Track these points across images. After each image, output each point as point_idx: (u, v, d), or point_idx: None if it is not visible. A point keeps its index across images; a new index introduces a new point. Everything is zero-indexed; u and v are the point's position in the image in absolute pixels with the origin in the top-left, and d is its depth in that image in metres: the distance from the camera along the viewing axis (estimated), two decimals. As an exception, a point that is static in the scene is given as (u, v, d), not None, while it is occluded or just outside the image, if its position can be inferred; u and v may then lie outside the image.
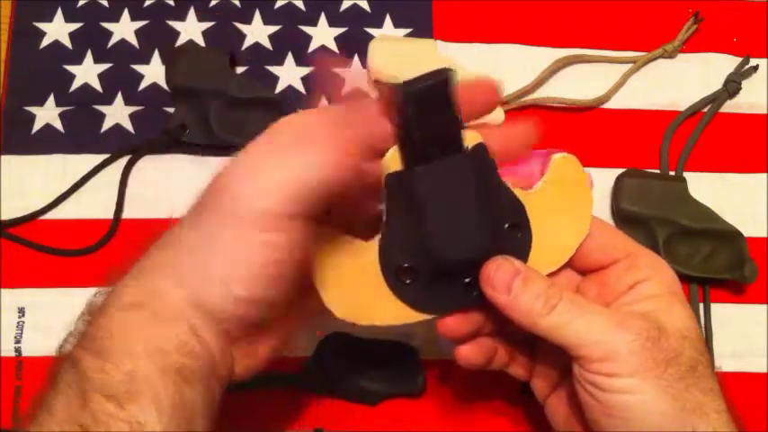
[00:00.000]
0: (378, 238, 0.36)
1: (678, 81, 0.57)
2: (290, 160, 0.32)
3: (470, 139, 0.35)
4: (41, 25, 0.56)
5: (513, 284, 0.36)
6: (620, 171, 0.53)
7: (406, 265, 0.37)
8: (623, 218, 0.52)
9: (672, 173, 0.54)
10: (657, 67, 0.57)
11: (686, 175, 0.54)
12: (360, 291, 0.37)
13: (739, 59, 0.57)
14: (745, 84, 0.56)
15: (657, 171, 0.54)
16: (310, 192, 0.32)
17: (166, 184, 0.52)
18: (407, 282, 0.37)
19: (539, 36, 0.57)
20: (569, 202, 0.39)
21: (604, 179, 0.53)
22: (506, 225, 0.38)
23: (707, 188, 0.54)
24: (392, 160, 0.35)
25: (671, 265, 0.39)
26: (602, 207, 0.53)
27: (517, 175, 0.39)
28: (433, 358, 0.49)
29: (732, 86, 0.56)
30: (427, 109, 0.34)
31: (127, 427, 0.29)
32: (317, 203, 0.32)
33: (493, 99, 0.37)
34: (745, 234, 0.51)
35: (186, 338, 0.32)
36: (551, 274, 0.39)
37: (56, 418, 0.30)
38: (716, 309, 0.51)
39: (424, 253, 0.36)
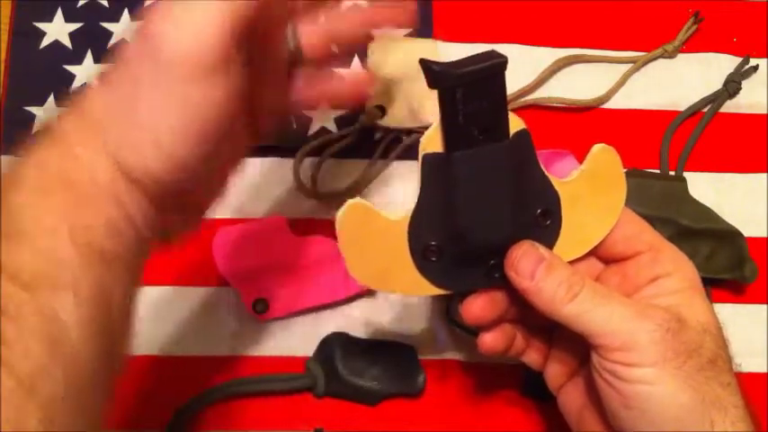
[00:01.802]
0: (408, 213, 0.37)
1: (678, 81, 0.57)
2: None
3: (513, 124, 0.35)
4: (41, 25, 0.56)
5: (536, 271, 0.36)
6: (620, 171, 0.53)
7: (433, 243, 0.37)
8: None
9: (672, 173, 0.54)
10: (657, 67, 0.57)
11: (686, 175, 0.54)
12: (384, 261, 0.37)
13: (739, 59, 0.57)
14: (745, 84, 0.56)
15: (657, 171, 0.54)
16: (235, 28, 0.30)
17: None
18: (433, 259, 0.37)
19: (539, 36, 0.57)
20: (602, 194, 0.39)
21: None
22: (538, 211, 0.38)
23: (707, 188, 0.54)
24: (430, 140, 0.35)
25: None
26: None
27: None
28: (433, 358, 0.49)
29: (732, 86, 0.56)
30: (476, 93, 0.33)
31: (38, 316, 0.27)
32: (241, 41, 0.31)
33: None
34: (745, 234, 0.51)
35: (112, 217, 0.30)
36: (573, 262, 0.39)
37: None
38: (716, 309, 0.50)
39: (452, 234, 0.37)
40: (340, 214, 0.36)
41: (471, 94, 0.33)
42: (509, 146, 0.35)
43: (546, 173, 0.38)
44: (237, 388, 0.47)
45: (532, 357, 0.42)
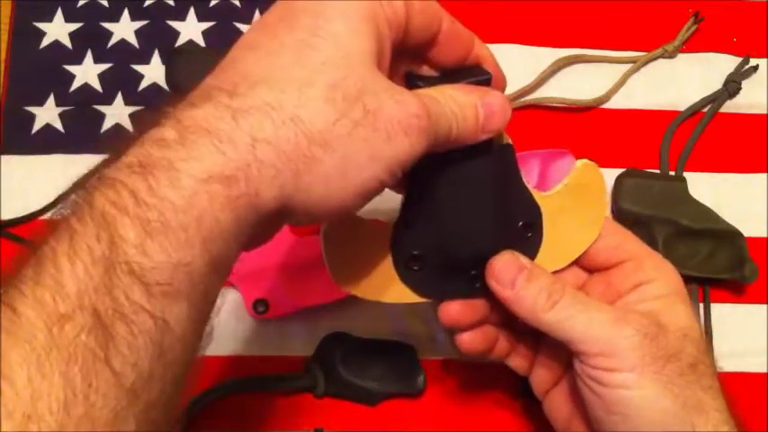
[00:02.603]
0: (392, 222, 0.37)
1: (678, 81, 0.57)
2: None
3: (498, 137, 0.36)
4: (41, 25, 0.56)
5: (517, 279, 0.37)
6: (620, 171, 0.53)
7: (416, 252, 0.37)
8: (623, 218, 0.52)
9: (672, 173, 0.54)
10: (657, 67, 0.57)
11: (686, 175, 0.54)
12: (367, 270, 0.37)
13: (739, 59, 0.57)
14: (745, 84, 0.56)
15: (657, 171, 0.54)
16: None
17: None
18: (415, 268, 0.38)
19: (539, 36, 0.57)
20: (584, 208, 0.40)
21: (604, 179, 0.53)
22: (520, 223, 0.39)
23: (707, 188, 0.54)
24: None
25: (671, 265, 0.40)
26: (602, 207, 0.53)
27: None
28: (433, 358, 0.49)
29: (732, 86, 0.56)
30: None
31: (152, 322, 0.26)
32: None
33: (470, 48, 0.36)
34: (745, 234, 0.51)
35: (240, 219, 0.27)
36: (557, 272, 0.40)
37: (62, 292, 0.25)
38: (716, 309, 0.51)
39: (435, 244, 0.37)
40: (324, 227, 0.37)
41: None
42: (493, 159, 0.36)
43: (528, 186, 0.38)
44: (238, 388, 0.47)
45: (517, 362, 0.43)
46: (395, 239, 0.37)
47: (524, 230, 0.39)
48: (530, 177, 0.50)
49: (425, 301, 0.39)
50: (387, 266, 0.38)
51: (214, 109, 0.28)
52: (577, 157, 0.53)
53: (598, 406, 0.36)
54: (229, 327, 0.49)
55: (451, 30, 0.35)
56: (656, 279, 0.38)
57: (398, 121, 0.30)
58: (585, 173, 0.40)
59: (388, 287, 0.38)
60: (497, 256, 0.38)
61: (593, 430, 0.38)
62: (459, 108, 0.33)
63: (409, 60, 0.35)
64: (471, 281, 0.39)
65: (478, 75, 0.35)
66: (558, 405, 0.42)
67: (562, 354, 0.41)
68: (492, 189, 0.37)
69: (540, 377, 0.42)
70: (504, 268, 0.37)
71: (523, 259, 0.38)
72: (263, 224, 0.29)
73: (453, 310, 0.39)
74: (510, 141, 0.37)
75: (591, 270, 0.41)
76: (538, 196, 0.39)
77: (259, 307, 0.48)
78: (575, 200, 0.40)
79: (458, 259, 0.38)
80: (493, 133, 0.34)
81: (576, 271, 0.41)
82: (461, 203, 0.36)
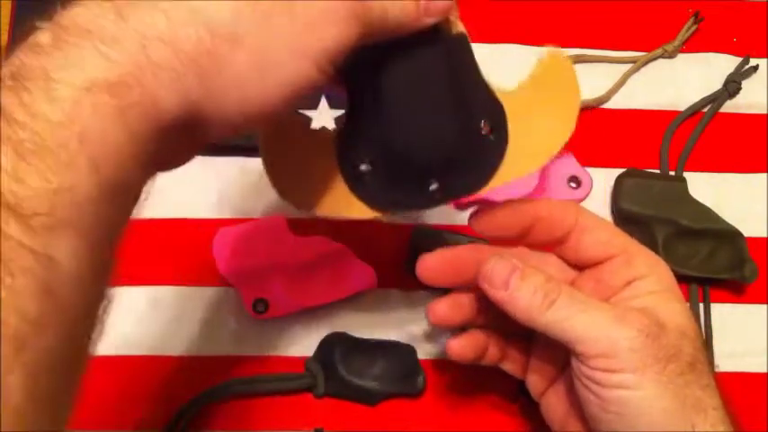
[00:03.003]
0: (334, 128, 0.34)
1: (678, 81, 0.57)
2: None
3: (452, 27, 0.32)
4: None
5: (510, 280, 0.36)
6: (620, 171, 0.53)
7: (366, 160, 0.33)
8: (623, 218, 0.52)
9: (672, 173, 0.54)
10: (657, 67, 0.57)
11: (686, 175, 0.54)
12: (311, 178, 0.34)
13: (739, 59, 0.57)
14: (745, 84, 0.56)
15: (657, 171, 0.54)
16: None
17: (166, 184, 0.52)
18: (366, 177, 0.34)
19: (539, 36, 0.57)
20: (553, 103, 0.35)
21: (604, 179, 0.53)
22: (481, 123, 0.34)
23: (707, 188, 0.54)
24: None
25: (670, 265, 0.40)
26: (602, 207, 0.53)
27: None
28: (432, 358, 0.49)
29: (732, 86, 0.56)
30: None
31: (35, 260, 0.22)
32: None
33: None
34: (745, 234, 0.51)
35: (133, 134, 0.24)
36: (547, 269, 0.38)
37: None
38: (716, 309, 0.51)
39: (385, 147, 0.33)
40: (264, 130, 0.33)
41: None
42: (444, 50, 0.32)
43: (488, 82, 0.34)
44: (237, 388, 0.47)
45: (511, 365, 0.42)
46: (341, 144, 0.33)
47: (487, 130, 0.34)
48: (530, 177, 0.50)
49: (378, 215, 0.34)
50: (333, 174, 0.34)
51: (96, 5, 0.24)
52: (578, 158, 0.53)
53: (596, 406, 0.36)
54: (229, 327, 0.49)
55: None
56: (648, 275, 0.38)
57: (320, 8, 0.27)
58: (552, 63, 0.35)
59: (334, 199, 0.34)
60: (486, 263, 0.36)
61: (590, 429, 0.38)
62: None
63: None
64: (431, 193, 0.34)
65: None
66: (554, 405, 0.41)
67: (556, 355, 0.40)
68: (445, 84, 0.32)
69: (536, 378, 0.42)
70: (496, 269, 0.36)
71: (514, 260, 0.37)
72: (168, 139, 0.25)
73: (440, 309, 0.38)
74: (464, 30, 0.32)
75: (580, 266, 0.40)
76: (500, 93, 0.34)
77: (259, 307, 0.48)
78: (542, 93, 0.35)
79: (412, 166, 0.33)
80: (436, 17, 0.30)
81: (564, 269, 0.40)
82: (411, 101, 0.32)
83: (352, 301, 0.50)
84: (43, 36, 0.24)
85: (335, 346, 0.48)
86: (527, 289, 0.36)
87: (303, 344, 0.49)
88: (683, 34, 0.57)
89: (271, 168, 0.33)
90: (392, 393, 0.48)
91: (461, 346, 0.40)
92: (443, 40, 0.32)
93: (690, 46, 0.58)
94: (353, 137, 0.33)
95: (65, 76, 0.23)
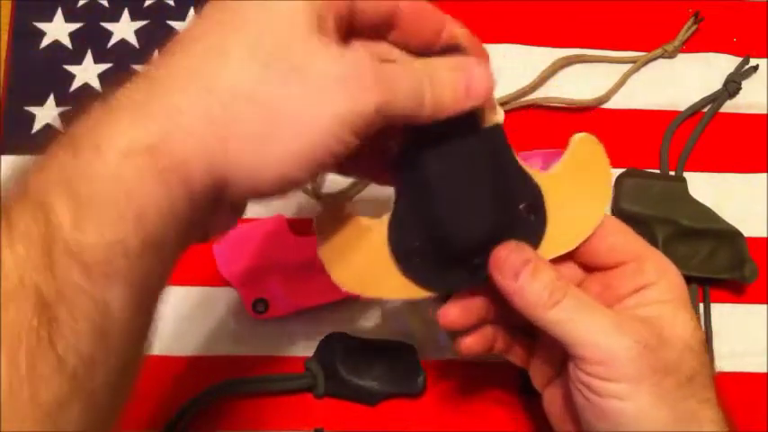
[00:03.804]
0: (387, 216, 0.36)
1: (678, 81, 0.57)
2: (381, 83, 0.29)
3: (487, 118, 0.35)
4: (41, 25, 0.56)
5: (521, 272, 0.36)
6: (620, 171, 0.53)
7: (415, 244, 0.36)
8: (623, 218, 0.51)
9: (672, 173, 0.54)
10: (657, 67, 0.57)
11: (686, 175, 0.54)
12: (366, 266, 0.36)
13: (739, 59, 0.57)
14: (745, 84, 0.56)
15: (657, 171, 0.54)
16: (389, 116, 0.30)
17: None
18: (416, 261, 0.37)
19: (539, 36, 0.57)
20: (587, 184, 0.38)
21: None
22: (521, 206, 0.37)
23: (707, 188, 0.54)
24: (405, 136, 0.34)
25: (671, 265, 0.39)
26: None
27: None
28: (433, 358, 0.49)
29: (732, 86, 0.56)
30: None
31: (92, 304, 0.25)
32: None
33: (439, 29, 0.34)
34: (745, 234, 0.51)
35: (176, 200, 0.27)
36: (559, 260, 0.38)
37: (3, 272, 0.24)
38: (716, 309, 0.51)
39: (433, 234, 0.36)
40: (317, 217, 0.36)
41: None
42: (483, 138, 0.35)
43: (525, 166, 0.37)
44: (237, 388, 0.47)
45: (516, 356, 0.42)
46: (392, 232, 0.36)
47: (526, 213, 0.37)
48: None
49: (429, 295, 0.38)
50: (386, 261, 0.36)
51: (132, 82, 0.28)
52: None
53: (590, 412, 0.36)
54: (229, 327, 0.49)
55: (413, 8, 0.33)
56: (657, 282, 0.37)
57: (334, 77, 0.28)
58: (585, 147, 0.38)
59: (389, 283, 0.37)
60: (501, 246, 0.36)
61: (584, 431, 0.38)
62: (432, 70, 0.31)
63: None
64: (474, 270, 0.37)
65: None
66: (554, 401, 0.41)
67: (558, 351, 0.40)
68: (485, 170, 0.35)
69: (539, 371, 0.42)
70: (509, 258, 0.36)
71: (529, 251, 0.36)
72: (200, 204, 0.28)
73: (452, 313, 0.38)
74: (500, 120, 0.35)
75: (590, 268, 0.40)
76: (537, 176, 0.37)
77: (259, 307, 0.48)
78: (576, 176, 0.38)
79: (457, 248, 0.36)
80: (477, 102, 0.32)
81: (574, 269, 0.40)
82: (454, 188, 0.35)
83: (352, 301, 0.50)
84: (94, 108, 0.27)
85: (335, 346, 0.48)
86: (536, 284, 0.36)
87: (303, 344, 0.49)
88: (683, 34, 0.57)
89: (326, 254, 0.36)
90: (392, 393, 0.48)
91: (474, 343, 0.40)
92: (481, 131, 0.34)
93: (690, 46, 0.58)
94: (403, 222, 0.36)
95: (109, 142, 0.26)
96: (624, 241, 0.39)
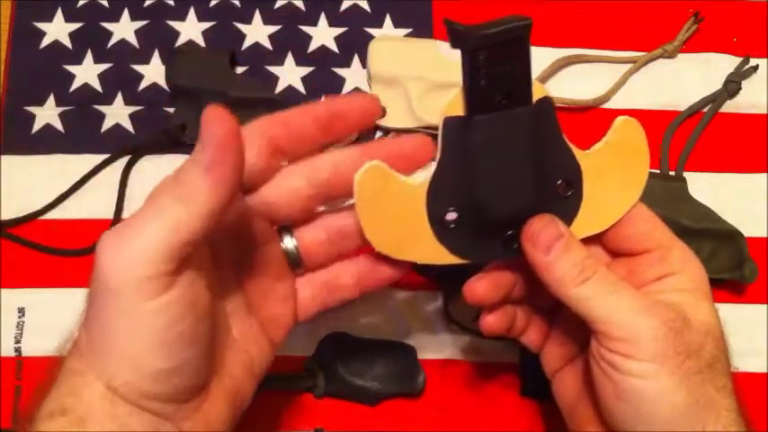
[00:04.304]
0: (428, 178, 0.36)
1: (678, 81, 0.57)
2: (150, 223, 0.30)
3: (537, 91, 0.35)
4: (41, 25, 0.56)
5: (554, 247, 0.36)
6: (620, 171, 0.53)
7: (452, 209, 0.36)
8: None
9: (672, 173, 0.54)
10: (657, 67, 0.57)
11: (686, 174, 0.54)
12: (401, 227, 0.36)
13: (739, 59, 0.57)
14: (745, 84, 0.56)
15: (657, 171, 0.54)
16: (179, 246, 0.30)
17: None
18: (451, 226, 0.36)
19: (539, 36, 0.57)
20: (625, 167, 0.38)
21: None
22: (558, 182, 0.37)
23: (707, 188, 0.54)
24: (452, 104, 0.34)
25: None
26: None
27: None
28: (433, 358, 0.49)
29: (732, 86, 0.56)
30: (500, 56, 0.33)
31: None
32: (191, 252, 0.31)
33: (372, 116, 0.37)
34: (745, 234, 0.51)
35: None
36: (586, 242, 0.38)
37: None
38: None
39: (471, 202, 0.36)
40: (357, 176, 0.35)
41: (495, 56, 0.33)
42: (531, 112, 0.35)
43: (568, 143, 0.37)
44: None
45: (531, 338, 0.42)
46: (430, 196, 0.36)
47: (564, 189, 0.37)
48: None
49: (461, 262, 0.37)
50: (422, 224, 0.36)
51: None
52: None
53: (609, 392, 0.36)
54: (229, 327, 0.49)
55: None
56: (680, 272, 0.38)
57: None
58: (627, 129, 0.38)
59: (422, 247, 0.37)
60: (536, 218, 0.36)
61: (600, 415, 0.37)
62: None
63: None
64: (508, 242, 0.37)
65: (516, 20, 0.34)
66: (566, 386, 0.41)
67: (577, 332, 0.40)
68: (529, 143, 0.35)
69: (553, 354, 0.42)
70: (543, 232, 0.36)
71: (562, 227, 0.37)
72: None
73: (480, 287, 0.38)
74: (548, 93, 0.35)
75: (616, 253, 0.40)
76: (579, 154, 0.37)
77: (259, 307, 0.48)
78: (616, 158, 0.37)
79: (494, 218, 0.36)
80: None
81: (600, 252, 0.40)
82: (497, 158, 0.35)
83: (353, 301, 0.50)
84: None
85: (335, 346, 0.48)
86: (566, 260, 0.36)
87: (303, 344, 0.49)
88: (683, 34, 0.57)
89: (364, 215, 0.36)
90: (392, 393, 0.48)
91: (497, 321, 0.40)
92: (529, 107, 0.34)
93: (690, 46, 0.58)
94: (442, 188, 0.36)
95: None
96: (652, 229, 0.39)
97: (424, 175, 0.36)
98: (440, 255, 0.37)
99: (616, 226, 0.39)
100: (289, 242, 0.38)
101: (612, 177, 0.38)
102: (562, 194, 0.37)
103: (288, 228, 0.38)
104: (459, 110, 0.34)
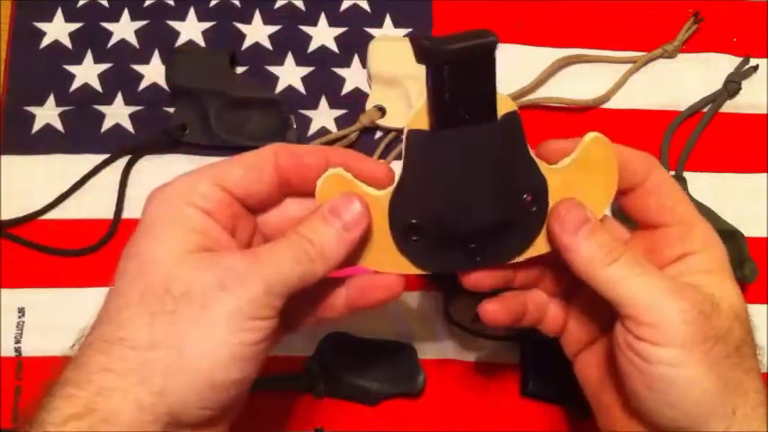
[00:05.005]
0: (390, 189, 0.36)
1: (678, 81, 0.57)
2: (287, 262, 0.33)
3: (503, 105, 0.35)
4: (41, 25, 0.56)
5: (581, 229, 0.36)
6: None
7: (414, 221, 0.36)
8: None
9: (672, 173, 0.54)
10: (657, 67, 0.57)
11: (686, 174, 0.54)
12: (365, 237, 0.36)
13: (739, 59, 0.57)
14: (745, 84, 0.56)
15: (657, 171, 0.54)
16: (297, 287, 0.33)
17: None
18: (414, 238, 0.36)
19: (539, 36, 0.57)
20: (592, 184, 0.38)
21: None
22: (524, 196, 0.37)
23: (707, 188, 0.54)
24: (417, 117, 0.34)
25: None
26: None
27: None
28: (433, 358, 0.49)
29: (732, 86, 0.56)
30: (465, 70, 0.33)
31: None
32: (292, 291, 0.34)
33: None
34: (746, 234, 0.51)
35: None
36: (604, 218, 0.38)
37: None
38: (716, 309, 0.51)
39: (433, 215, 0.36)
40: (319, 182, 0.35)
41: (459, 72, 0.32)
42: (496, 128, 0.34)
43: (535, 158, 0.37)
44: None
45: (548, 326, 0.42)
46: (393, 207, 0.36)
47: (529, 204, 0.37)
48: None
49: (421, 272, 0.37)
50: (383, 235, 0.36)
51: (71, 361, 0.32)
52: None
53: (637, 381, 0.35)
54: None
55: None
56: (702, 251, 0.37)
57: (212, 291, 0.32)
58: (595, 147, 0.37)
59: (383, 256, 0.37)
60: (563, 201, 0.36)
61: (625, 398, 0.37)
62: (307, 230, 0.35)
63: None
64: (471, 254, 0.37)
65: (481, 37, 0.33)
66: (589, 369, 0.40)
67: (598, 314, 0.39)
68: (493, 158, 0.35)
69: (573, 337, 0.41)
70: (572, 214, 0.36)
71: (589, 212, 0.36)
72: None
73: (473, 274, 0.38)
74: (515, 108, 0.35)
75: (637, 221, 0.39)
76: (545, 168, 0.37)
77: (259, 307, 0.48)
78: (583, 175, 0.37)
79: (456, 230, 0.36)
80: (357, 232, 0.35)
81: (619, 229, 0.40)
82: (460, 172, 0.35)
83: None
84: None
85: (335, 346, 0.48)
86: (594, 241, 0.35)
87: (303, 344, 0.49)
88: (683, 34, 0.57)
89: None
90: (392, 393, 0.48)
91: (496, 311, 0.39)
92: (494, 122, 0.34)
93: (690, 46, 0.58)
94: (405, 200, 0.36)
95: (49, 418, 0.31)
96: (675, 203, 0.38)
97: (388, 186, 0.36)
98: (401, 265, 0.37)
99: (639, 195, 0.38)
100: None
101: (579, 194, 0.37)
102: (527, 209, 0.37)
103: None
104: (423, 123, 0.34)
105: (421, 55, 0.33)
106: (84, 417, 0.30)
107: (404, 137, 0.35)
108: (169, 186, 0.35)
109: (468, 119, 0.34)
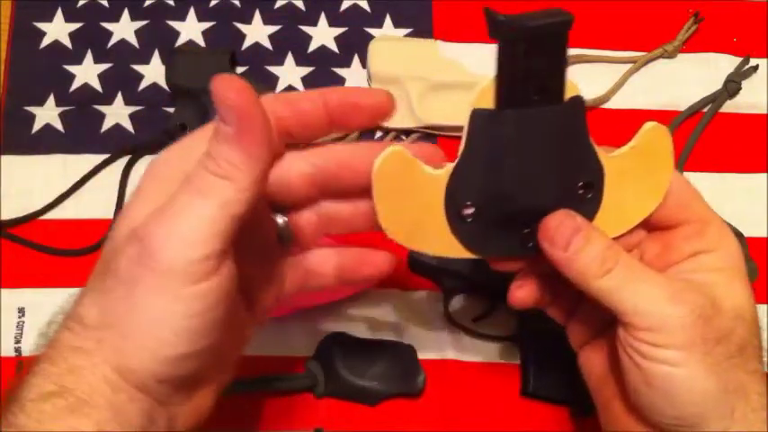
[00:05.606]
0: (448, 169, 0.35)
1: (678, 81, 0.57)
2: (197, 203, 0.31)
3: (569, 88, 0.34)
4: (41, 25, 0.56)
5: (572, 241, 0.35)
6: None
7: (470, 203, 0.35)
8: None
9: (672, 173, 0.54)
10: (657, 67, 0.57)
11: (686, 174, 0.54)
12: (416, 216, 0.36)
13: (739, 59, 0.57)
14: (745, 84, 0.56)
15: (657, 171, 0.54)
16: (230, 222, 0.31)
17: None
18: (468, 220, 0.36)
19: (539, 36, 0.57)
20: (648, 173, 0.37)
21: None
22: (580, 183, 0.36)
23: (707, 188, 0.53)
24: (483, 95, 0.33)
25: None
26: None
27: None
28: (433, 358, 0.49)
29: (732, 86, 0.56)
30: (538, 49, 0.32)
31: None
32: (232, 236, 0.31)
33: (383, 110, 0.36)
34: (746, 234, 0.51)
35: (107, 423, 0.30)
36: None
37: None
38: (716, 309, 0.51)
39: (491, 195, 0.35)
40: (378, 161, 0.34)
41: (533, 49, 0.32)
42: (562, 110, 0.34)
43: (594, 144, 0.36)
44: (238, 388, 0.47)
45: (556, 311, 0.41)
46: (450, 187, 0.35)
47: (584, 190, 0.36)
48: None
49: (472, 257, 0.37)
50: (438, 215, 0.35)
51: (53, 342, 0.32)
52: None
53: (637, 377, 0.35)
54: (229, 327, 0.49)
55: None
56: (716, 250, 0.37)
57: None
58: (654, 135, 0.37)
59: (436, 238, 0.36)
60: (553, 215, 0.36)
61: (627, 395, 0.37)
62: None
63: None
64: (523, 239, 0.37)
65: (558, 15, 0.32)
66: (593, 362, 0.40)
67: (601, 312, 0.39)
68: (556, 142, 0.34)
69: (578, 330, 0.41)
70: (560, 228, 0.35)
71: (579, 219, 0.36)
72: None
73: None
74: (580, 92, 0.34)
75: (650, 227, 0.39)
76: (603, 156, 0.36)
77: (259, 307, 0.48)
78: (640, 164, 0.37)
79: (512, 213, 0.36)
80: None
81: (635, 228, 0.39)
82: (523, 154, 0.34)
83: (353, 301, 0.50)
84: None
85: (335, 346, 0.48)
86: (587, 253, 0.35)
87: (303, 344, 0.49)
88: (683, 34, 0.57)
89: (381, 203, 0.35)
90: (392, 393, 0.48)
91: (526, 295, 0.39)
92: (561, 105, 0.34)
93: (690, 46, 0.58)
94: (463, 180, 0.35)
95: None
96: (689, 200, 0.38)
97: (447, 165, 0.35)
98: (452, 248, 0.36)
99: None
100: (282, 221, 0.37)
101: (634, 183, 0.37)
102: (582, 195, 0.37)
103: (280, 208, 0.37)
104: (488, 102, 0.33)
105: (495, 30, 0.32)
106: (61, 395, 0.30)
107: (467, 117, 0.34)
108: (164, 153, 0.34)
109: (536, 99, 0.33)
